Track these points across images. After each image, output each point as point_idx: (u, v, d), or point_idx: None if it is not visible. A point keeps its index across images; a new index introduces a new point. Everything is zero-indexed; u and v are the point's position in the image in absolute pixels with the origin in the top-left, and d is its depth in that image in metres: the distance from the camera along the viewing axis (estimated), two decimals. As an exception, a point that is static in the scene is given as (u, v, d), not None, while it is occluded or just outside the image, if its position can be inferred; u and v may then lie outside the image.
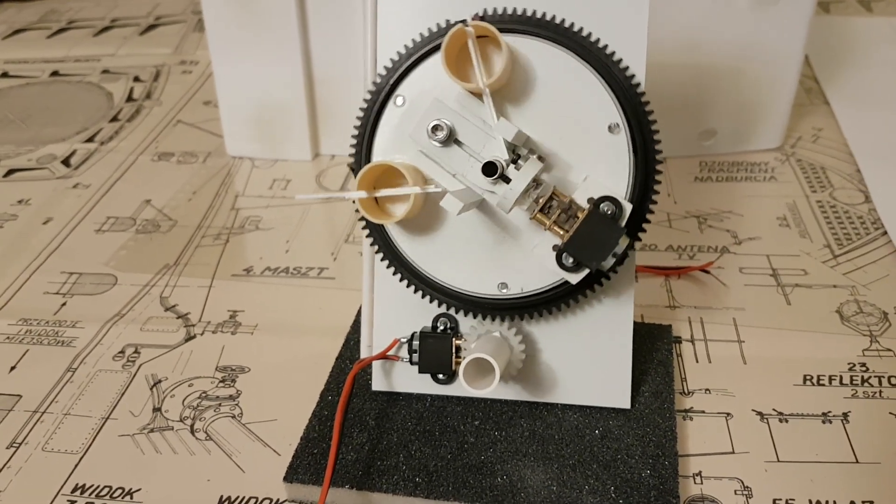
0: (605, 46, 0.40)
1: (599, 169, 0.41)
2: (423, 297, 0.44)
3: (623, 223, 0.39)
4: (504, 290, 0.43)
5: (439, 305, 0.44)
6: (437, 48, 0.40)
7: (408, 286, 0.44)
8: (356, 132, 0.43)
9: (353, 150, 0.43)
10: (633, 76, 0.40)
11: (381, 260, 0.44)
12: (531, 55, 0.40)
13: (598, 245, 0.39)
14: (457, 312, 0.45)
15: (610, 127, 0.40)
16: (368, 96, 0.42)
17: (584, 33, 0.40)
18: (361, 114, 0.42)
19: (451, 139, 0.40)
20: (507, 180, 0.39)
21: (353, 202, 0.40)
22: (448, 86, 0.39)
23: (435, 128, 0.40)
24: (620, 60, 0.40)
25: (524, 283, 0.43)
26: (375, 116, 0.42)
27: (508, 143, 0.39)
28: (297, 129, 0.75)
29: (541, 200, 0.39)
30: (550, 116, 0.41)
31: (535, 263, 0.42)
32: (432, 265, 0.43)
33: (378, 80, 0.42)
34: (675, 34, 0.66)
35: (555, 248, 0.40)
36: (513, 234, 0.42)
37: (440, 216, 0.42)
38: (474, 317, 0.44)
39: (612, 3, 0.40)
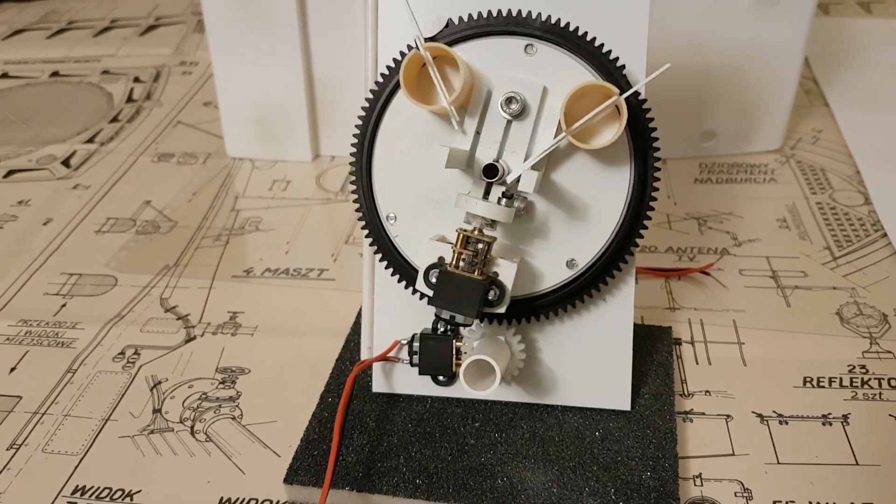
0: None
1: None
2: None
3: (486, 311, 0.40)
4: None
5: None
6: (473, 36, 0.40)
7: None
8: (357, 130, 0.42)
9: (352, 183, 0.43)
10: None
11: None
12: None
13: (455, 300, 0.39)
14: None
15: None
16: (375, 88, 0.42)
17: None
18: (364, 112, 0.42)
19: (509, 117, 0.39)
20: (487, 190, 0.39)
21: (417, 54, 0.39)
22: (562, 92, 0.38)
23: (511, 99, 0.39)
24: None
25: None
26: (488, 33, 0.41)
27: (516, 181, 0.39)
28: (298, 130, 0.75)
29: (476, 234, 0.39)
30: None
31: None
32: (384, 202, 0.43)
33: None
34: (675, 36, 0.66)
35: (440, 259, 0.40)
36: (449, 203, 0.41)
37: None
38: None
39: (612, 6, 0.40)
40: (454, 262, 0.40)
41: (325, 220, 0.68)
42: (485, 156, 0.40)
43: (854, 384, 0.48)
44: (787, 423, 0.46)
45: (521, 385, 0.46)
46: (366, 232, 0.44)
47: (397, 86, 0.41)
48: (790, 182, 0.68)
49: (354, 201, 0.44)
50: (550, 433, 0.45)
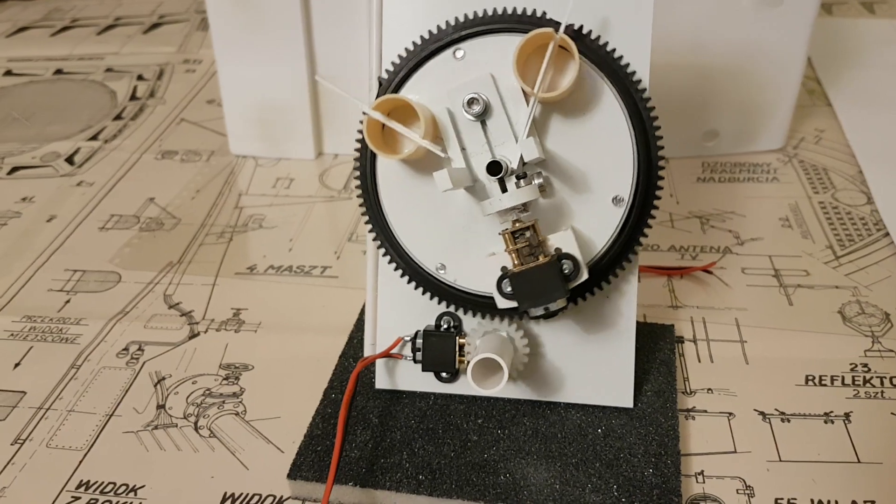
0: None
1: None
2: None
3: (571, 286, 0.40)
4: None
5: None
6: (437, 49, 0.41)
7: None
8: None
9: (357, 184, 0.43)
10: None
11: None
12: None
13: (538, 292, 0.39)
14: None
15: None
16: (391, 68, 0.42)
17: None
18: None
19: (480, 118, 0.40)
20: (503, 186, 0.39)
21: (361, 122, 0.40)
22: (509, 72, 0.39)
23: (472, 100, 0.40)
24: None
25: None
26: (420, 61, 0.41)
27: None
28: (301, 127, 0.75)
29: (517, 224, 0.40)
30: (572, 130, 0.41)
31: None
32: (426, 255, 0.43)
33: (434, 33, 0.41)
34: (678, 35, 0.66)
35: (503, 269, 0.40)
36: (481, 226, 0.42)
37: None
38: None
39: (616, 5, 0.40)
40: (516, 262, 0.40)
41: (328, 218, 0.68)
42: (480, 164, 0.40)
43: (856, 382, 0.48)
44: (789, 420, 0.46)
45: (524, 382, 0.46)
46: (370, 228, 0.44)
47: (402, 83, 0.42)
48: (793, 181, 0.68)
49: (359, 198, 0.44)
50: (553, 430, 0.45)
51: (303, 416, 0.46)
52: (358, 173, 0.43)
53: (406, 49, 0.42)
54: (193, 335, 0.55)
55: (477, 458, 0.43)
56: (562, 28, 0.38)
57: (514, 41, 0.38)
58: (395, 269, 0.44)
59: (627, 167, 0.41)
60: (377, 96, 0.42)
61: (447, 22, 0.41)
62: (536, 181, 0.40)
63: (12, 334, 0.56)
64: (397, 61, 0.42)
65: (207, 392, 0.50)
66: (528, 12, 0.40)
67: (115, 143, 0.81)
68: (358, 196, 0.44)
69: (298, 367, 0.52)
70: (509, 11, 0.41)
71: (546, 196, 0.42)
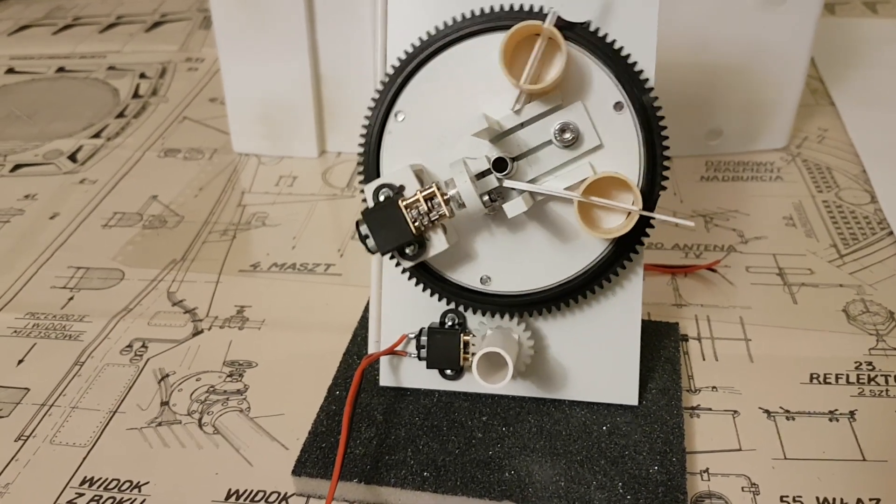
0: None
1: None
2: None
3: (388, 249, 0.40)
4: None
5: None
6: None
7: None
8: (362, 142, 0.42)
9: (359, 177, 0.43)
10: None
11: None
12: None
13: (381, 226, 0.40)
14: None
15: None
16: (381, 87, 0.42)
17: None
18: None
19: (557, 141, 0.40)
20: (487, 173, 0.39)
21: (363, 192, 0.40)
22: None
23: (563, 129, 0.40)
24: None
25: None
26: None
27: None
28: (304, 126, 0.75)
29: (443, 199, 0.39)
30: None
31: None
32: (441, 262, 0.43)
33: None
34: (682, 34, 0.66)
35: (400, 188, 0.40)
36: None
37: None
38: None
39: (623, 3, 0.40)
40: (408, 203, 0.39)
41: (331, 216, 0.68)
42: (511, 145, 0.40)
43: (861, 381, 0.48)
44: (793, 418, 0.46)
45: (529, 379, 0.46)
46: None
47: (406, 81, 0.41)
48: (796, 180, 0.68)
49: (361, 191, 0.44)
50: (558, 427, 0.45)
51: (307, 413, 0.46)
52: (362, 176, 0.43)
53: (491, 7, 0.41)
54: (197, 332, 0.55)
55: (481, 455, 0.43)
56: (549, 19, 0.38)
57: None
58: (409, 276, 0.44)
59: (633, 159, 0.41)
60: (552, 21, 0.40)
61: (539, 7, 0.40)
62: (495, 203, 0.40)
63: (16, 331, 0.56)
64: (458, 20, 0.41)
65: (211, 389, 0.50)
66: (528, 8, 0.40)
67: (118, 140, 0.81)
68: (363, 200, 0.44)
69: (302, 365, 0.52)
70: (506, 8, 0.40)
71: (532, 214, 0.42)
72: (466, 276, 0.43)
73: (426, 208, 0.39)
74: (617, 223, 0.40)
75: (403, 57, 0.42)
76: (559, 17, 0.39)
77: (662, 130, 0.41)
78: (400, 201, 0.39)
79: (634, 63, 0.40)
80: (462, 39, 0.41)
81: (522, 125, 0.40)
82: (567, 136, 0.40)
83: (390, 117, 0.42)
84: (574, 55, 0.40)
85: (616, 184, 0.40)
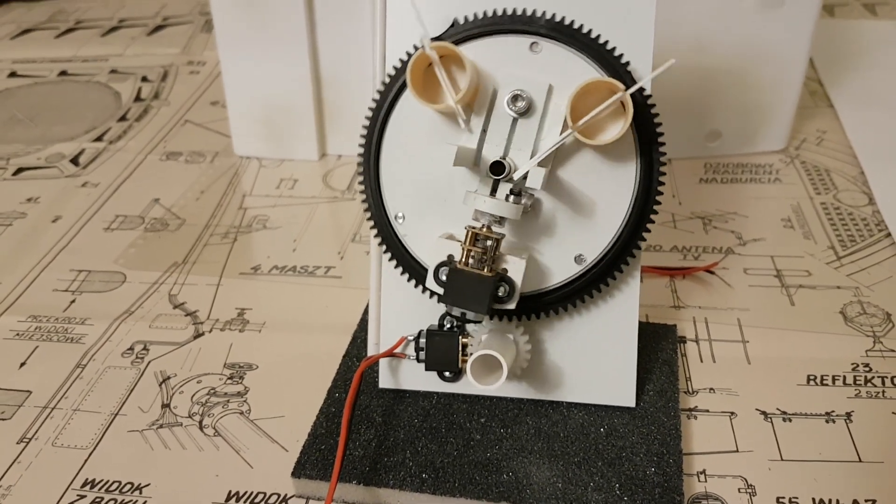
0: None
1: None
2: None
3: (496, 307, 0.40)
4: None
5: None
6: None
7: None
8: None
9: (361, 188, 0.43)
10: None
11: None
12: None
13: (465, 297, 0.40)
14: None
15: None
16: (380, 91, 0.42)
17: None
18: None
19: (516, 115, 0.40)
20: (494, 188, 0.40)
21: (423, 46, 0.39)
22: (568, 89, 0.38)
23: (517, 97, 0.40)
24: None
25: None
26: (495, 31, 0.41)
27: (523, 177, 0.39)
28: (305, 128, 0.75)
29: (485, 231, 0.39)
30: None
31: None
32: (393, 205, 0.43)
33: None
34: (680, 36, 0.66)
35: (449, 257, 0.41)
36: (457, 201, 0.42)
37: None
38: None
39: (619, 5, 0.41)
40: (463, 260, 0.40)
41: (331, 219, 0.69)
42: (491, 153, 0.40)
43: (857, 382, 0.49)
44: (790, 420, 0.46)
45: (527, 381, 0.46)
46: (374, 230, 0.44)
47: (405, 85, 0.42)
48: (795, 182, 0.69)
49: (363, 202, 0.44)
50: (556, 429, 0.45)
51: (307, 415, 0.47)
52: (362, 178, 0.44)
53: (485, 12, 0.41)
54: (198, 335, 0.56)
55: (480, 457, 0.44)
56: (633, 88, 0.38)
57: (515, 42, 0.39)
58: (401, 272, 0.44)
59: (630, 163, 0.41)
60: (441, 36, 0.41)
61: (532, 10, 0.40)
62: (524, 201, 0.40)
63: (18, 334, 0.57)
64: (462, 21, 0.41)
65: (212, 391, 0.51)
66: (529, 12, 0.41)
67: (120, 144, 0.82)
68: (363, 201, 0.44)
69: (302, 367, 0.52)
70: (508, 12, 0.41)
71: (527, 217, 0.42)
72: (405, 224, 0.43)
73: (480, 250, 0.40)
74: (615, 126, 0.40)
75: (400, 64, 0.42)
76: (433, 38, 0.39)
77: (658, 128, 0.41)
78: (459, 266, 0.40)
79: (620, 56, 0.40)
80: (538, 36, 0.41)
81: (485, 130, 0.41)
82: (520, 103, 0.40)
83: (387, 126, 0.42)
84: (570, 56, 0.40)
85: (596, 91, 0.38)
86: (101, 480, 0.45)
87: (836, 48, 0.90)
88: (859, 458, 0.44)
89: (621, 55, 0.40)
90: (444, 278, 0.40)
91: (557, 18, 0.40)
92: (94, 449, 0.47)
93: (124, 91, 0.93)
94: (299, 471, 0.43)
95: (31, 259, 0.65)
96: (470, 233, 0.40)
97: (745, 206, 0.66)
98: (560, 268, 0.43)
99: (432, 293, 0.43)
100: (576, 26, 0.40)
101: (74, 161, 0.79)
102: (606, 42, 0.40)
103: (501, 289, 0.40)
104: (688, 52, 0.67)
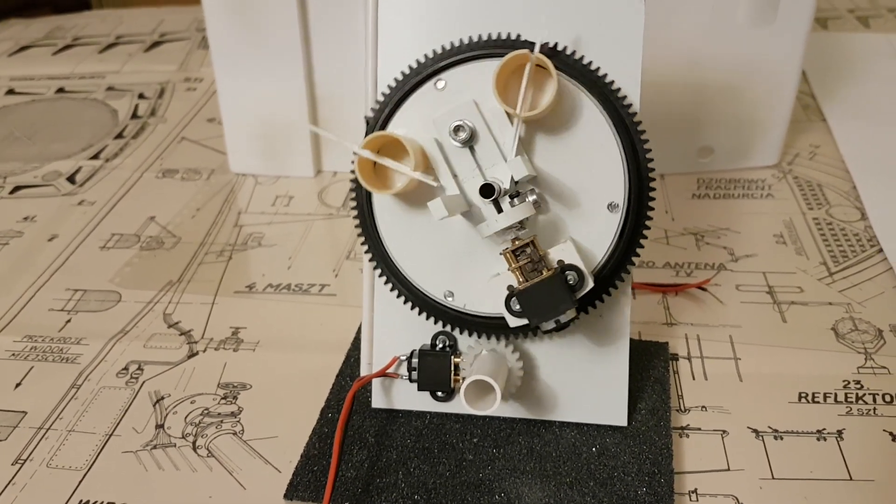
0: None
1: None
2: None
3: (578, 296, 0.40)
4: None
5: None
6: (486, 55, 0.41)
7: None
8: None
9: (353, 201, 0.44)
10: (625, 97, 0.41)
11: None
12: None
13: (547, 306, 0.40)
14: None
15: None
16: (377, 106, 0.43)
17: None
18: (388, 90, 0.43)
19: (467, 143, 0.41)
20: (498, 207, 0.40)
21: (353, 161, 0.41)
22: (490, 95, 0.39)
23: (458, 128, 0.40)
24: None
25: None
26: (404, 95, 0.42)
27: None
28: (300, 146, 0.76)
29: (517, 242, 0.40)
30: (559, 147, 0.42)
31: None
32: (432, 284, 0.44)
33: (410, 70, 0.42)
34: (672, 52, 0.67)
35: (509, 288, 0.41)
36: (482, 249, 0.43)
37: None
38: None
39: (607, 27, 0.41)
40: (521, 279, 0.40)
41: (326, 236, 0.69)
42: (473, 188, 0.41)
43: (849, 399, 0.49)
44: (782, 438, 0.47)
45: (519, 401, 0.46)
46: (366, 248, 0.44)
47: (440, 70, 0.42)
48: (787, 197, 0.69)
49: (360, 234, 0.44)
50: (548, 449, 0.45)
51: (300, 436, 0.47)
52: (355, 207, 0.44)
53: (389, 86, 0.42)
54: (192, 354, 0.56)
55: (472, 478, 0.44)
56: (536, 47, 0.38)
57: (493, 65, 0.39)
58: (397, 295, 0.45)
59: (618, 180, 0.41)
60: (366, 134, 0.42)
61: (426, 55, 0.42)
62: (530, 198, 0.41)
63: (13, 354, 0.57)
64: (382, 98, 0.43)
65: (206, 411, 0.51)
66: (513, 36, 0.41)
67: (117, 161, 0.82)
68: (356, 226, 0.44)
69: (296, 386, 0.52)
70: (493, 36, 0.41)
71: (541, 212, 0.42)
72: (457, 298, 0.44)
73: (527, 260, 0.40)
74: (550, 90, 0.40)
75: (393, 84, 0.43)
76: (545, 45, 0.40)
77: (646, 143, 0.41)
78: (521, 287, 0.40)
79: (605, 75, 0.41)
80: (448, 68, 0.42)
81: (455, 175, 0.41)
82: (462, 133, 0.40)
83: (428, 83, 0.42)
84: (475, 67, 0.41)
85: (516, 73, 0.39)
86: (96, 502, 0.45)
87: (830, 61, 0.90)
88: (850, 476, 0.44)
89: (598, 68, 0.41)
90: (518, 307, 0.40)
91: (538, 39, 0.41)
92: (89, 470, 0.47)
93: (121, 108, 0.93)
94: (292, 492, 0.43)
95: (28, 278, 0.65)
96: (507, 254, 0.40)
97: (738, 222, 0.66)
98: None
99: (491, 331, 0.44)
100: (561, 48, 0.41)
101: (71, 179, 0.79)
102: (582, 57, 0.41)
103: (570, 277, 0.40)
104: (680, 69, 0.67)
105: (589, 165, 0.42)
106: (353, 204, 0.44)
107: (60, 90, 0.99)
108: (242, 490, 0.45)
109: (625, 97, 0.41)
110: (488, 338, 0.44)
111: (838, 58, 0.91)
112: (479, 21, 0.42)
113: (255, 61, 0.72)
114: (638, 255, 0.43)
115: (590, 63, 0.41)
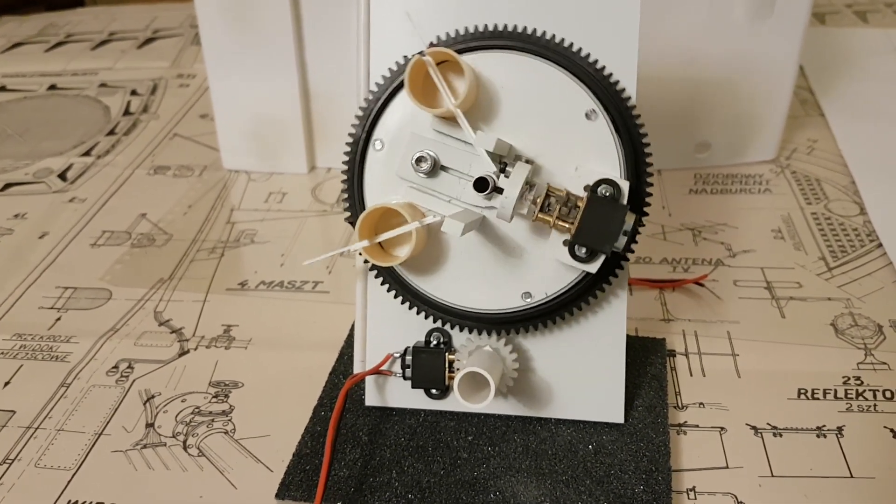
0: (588, 55, 0.40)
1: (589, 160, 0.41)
2: (417, 312, 0.44)
3: (624, 201, 0.39)
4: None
5: (432, 320, 0.44)
6: (400, 86, 0.41)
7: (401, 301, 0.44)
8: (345, 185, 0.43)
9: (346, 204, 0.44)
10: (623, 90, 0.40)
11: (375, 276, 0.44)
12: (499, 67, 0.41)
13: (606, 228, 0.38)
14: (451, 328, 0.45)
15: (587, 114, 0.41)
16: (350, 143, 0.43)
17: (567, 43, 0.40)
18: (346, 167, 0.43)
19: (436, 168, 0.41)
20: (500, 191, 0.39)
21: (360, 252, 0.41)
22: (422, 117, 0.40)
23: (419, 160, 0.40)
24: (612, 75, 0.40)
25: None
26: (360, 166, 0.43)
27: (492, 153, 0.39)
28: (294, 142, 0.75)
29: (538, 201, 0.39)
30: (529, 122, 0.41)
31: (544, 272, 0.42)
32: (425, 280, 0.43)
33: (367, 102, 0.42)
34: (670, 47, 0.66)
35: (565, 243, 0.40)
36: (516, 247, 0.42)
37: (435, 235, 0.42)
38: (468, 332, 0.44)
39: (602, 18, 0.41)
40: (567, 226, 0.39)
41: (320, 233, 0.68)
42: (471, 195, 0.40)
43: (849, 396, 0.48)
44: (781, 435, 0.46)
45: (515, 398, 0.46)
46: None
47: (372, 130, 0.42)
48: (785, 192, 0.68)
49: (347, 219, 0.44)
50: (543, 446, 0.44)
51: (292, 434, 0.46)
52: (347, 202, 0.43)
53: (371, 91, 0.42)
54: (183, 352, 0.55)
55: (467, 476, 0.43)
56: (426, 49, 0.39)
57: (485, 58, 0.39)
58: (388, 289, 0.44)
59: (615, 175, 0.41)
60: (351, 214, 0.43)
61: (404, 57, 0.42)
62: (522, 160, 0.40)
63: (2, 353, 0.56)
64: (364, 105, 0.42)
65: (197, 410, 0.50)
66: (511, 28, 0.40)
67: (108, 158, 0.81)
68: (346, 219, 0.44)
69: (288, 384, 0.51)
70: (489, 28, 0.41)
71: (538, 170, 0.41)
72: (451, 294, 0.43)
73: (557, 207, 0.39)
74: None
75: (387, 75, 0.42)
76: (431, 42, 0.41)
77: (644, 138, 0.40)
78: (569, 230, 0.39)
79: (603, 68, 0.40)
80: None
81: (450, 200, 0.41)
82: (423, 165, 0.40)
83: (370, 145, 0.42)
84: (541, 68, 0.40)
85: (421, 78, 0.40)
86: (85, 502, 0.45)
87: (827, 56, 0.90)
88: (851, 473, 0.43)
89: (596, 60, 0.40)
90: (583, 251, 0.39)
91: (538, 31, 0.40)
92: (78, 470, 0.47)
93: (113, 105, 0.93)
94: (283, 492, 0.43)
95: (18, 276, 0.64)
96: (539, 216, 0.39)
97: (736, 217, 0.65)
98: (545, 282, 0.42)
99: (485, 327, 0.43)
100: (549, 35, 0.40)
101: (62, 176, 0.79)
102: (580, 49, 0.40)
103: (605, 191, 0.39)
104: (677, 64, 0.67)
105: (586, 162, 0.41)
106: (346, 198, 0.43)
107: (52, 87, 0.98)
108: (234, 489, 0.45)
109: (623, 89, 0.40)
110: (479, 333, 0.44)
111: (836, 53, 0.91)
112: (473, 13, 0.41)
113: (247, 57, 0.71)
114: (629, 257, 0.42)
115: (583, 52, 0.40)
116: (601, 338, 0.44)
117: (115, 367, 0.54)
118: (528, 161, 0.40)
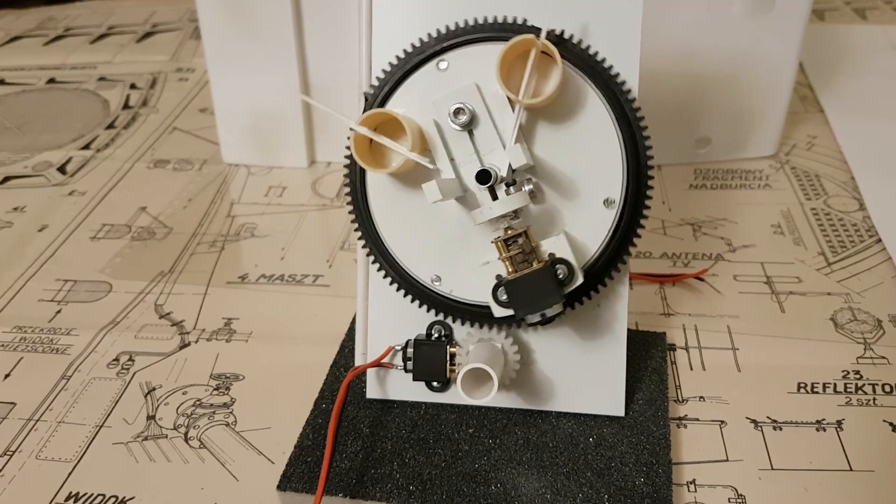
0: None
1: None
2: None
3: (567, 291, 0.40)
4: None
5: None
6: (403, 77, 0.41)
7: (391, 284, 0.44)
8: (346, 179, 0.43)
9: (347, 199, 0.43)
10: (623, 80, 0.40)
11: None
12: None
13: (534, 298, 0.39)
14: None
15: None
16: (376, 83, 0.42)
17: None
18: (347, 160, 0.43)
19: (467, 127, 0.40)
20: (493, 194, 0.39)
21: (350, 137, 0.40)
22: (492, 80, 0.39)
23: (458, 110, 0.40)
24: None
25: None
26: (405, 74, 0.41)
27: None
28: (293, 136, 0.75)
29: (510, 232, 0.40)
30: (559, 136, 0.41)
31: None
32: (420, 267, 0.43)
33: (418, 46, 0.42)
34: (670, 43, 0.66)
35: (498, 278, 0.40)
36: (473, 235, 0.42)
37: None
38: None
39: (603, 12, 0.41)
40: (511, 269, 0.40)
41: (320, 226, 0.68)
42: (469, 173, 0.40)
43: (848, 390, 0.48)
44: (781, 428, 0.46)
45: (516, 391, 0.46)
46: (361, 239, 0.44)
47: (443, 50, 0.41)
48: (785, 188, 0.68)
49: (350, 213, 0.44)
50: (544, 439, 0.45)
51: (293, 427, 0.46)
52: (348, 188, 0.43)
53: (390, 63, 0.42)
54: (184, 345, 0.55)
55: (468, 468, 0.43)
56: (543, 34, 0.38)
57: (497, 49, 0.38)
58: (390, 282, 0.44)
59: (616, 169, 0.41)
60: (363, 111, 0.41)
61: (429, 34, 0.41)
62: (526, 187, 0.40)
63: (3, 345, 0.56)
64: (382, 76, 0.42)
65: (198, 403, 0.50)
66: (511, 20, 0.40)
67: (108, 152, 0.81)
68: (350, 212, 0.44)
69: (289, 377, 0.52)
70: (490, 20, 0.41)
71: (537, 202, 0.42)
72: (453, 287, 0.43)
73: (518, 251, 0.40)
74: (555, 77, 0.39)
75: (388, 69, 0.42)
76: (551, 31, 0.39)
77: (647, 140, 0.40)
78: (511, 277, 0.39)
79: (611, 67, 0.40)
80: (452, 49, 0.41)
81: (452, 159, 0.41)
82: (463, 116, 0.40)
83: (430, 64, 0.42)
84: (479, 49, 0.40)
85: (520, 58, 0.39)
86: (86, 494, 0.45)
87: (827, 53, 0.90)
88: (850, 466, 0.44)
89: (604, 59, 0.40)
90: (504, 297, 0.40)
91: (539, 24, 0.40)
92: (79, 462, 0.47)
93: (112, 98, 0.92)
94: (285, 484, 0.43)
95: (17, 269, 0.64)
96: (499, 243, 0.40)
97: (735, 213, 0.65)
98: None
99: (487, 321, 0.43)
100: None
101: (62, 169, 0.79)
102: (588, 47, 0.40)
103: (560, 271, 0.40)
104: (677, 59, 0.67)
105: (588, 158, 0.41)
106: (347, 189, 0.43)
107: (51, 80, 0.98)
108: (235, 481, 0.45)
109: (624, 82, 0.40)
110: (473, 325, 0.44)
111: (835, 49, 0.91)
112: (477, 4, 0.41)
113: (247, 51, 0.71)
114: (630, 254, 0.42)
115: (588, 47, 0.40)
116: (602, 332, 0.45)
117: (116, 359, 0.54)
118: (532, 193, 0.40)
